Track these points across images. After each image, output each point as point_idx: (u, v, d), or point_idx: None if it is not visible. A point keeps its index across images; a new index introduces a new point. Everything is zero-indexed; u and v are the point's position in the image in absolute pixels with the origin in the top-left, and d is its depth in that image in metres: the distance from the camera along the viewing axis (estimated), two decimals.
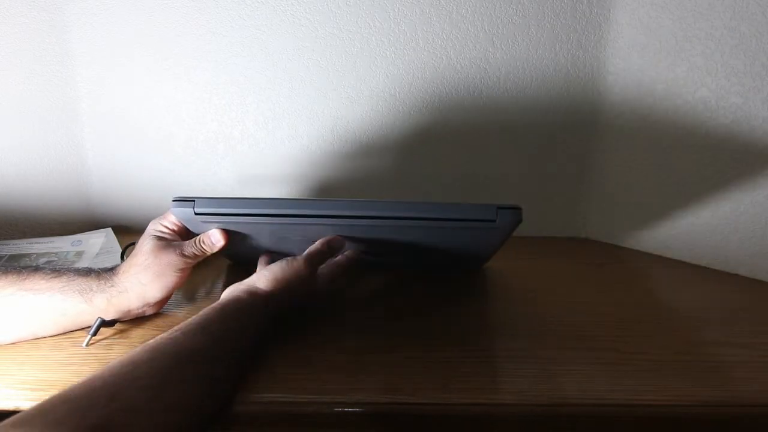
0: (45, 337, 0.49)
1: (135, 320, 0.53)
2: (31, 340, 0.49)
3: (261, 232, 0.56)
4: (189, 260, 0.52)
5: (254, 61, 0.79)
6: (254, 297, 0.48)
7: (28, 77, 0.76)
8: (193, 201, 0.51)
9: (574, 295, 0.62)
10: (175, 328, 0.42)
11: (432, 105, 0.79)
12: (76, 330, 0.50)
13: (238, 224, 0.53)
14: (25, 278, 0.48)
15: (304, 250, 0.54)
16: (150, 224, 0.54)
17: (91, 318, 0.48)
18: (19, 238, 0.78)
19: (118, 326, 0.51)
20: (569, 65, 0.77)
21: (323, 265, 0.55)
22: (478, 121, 0.79)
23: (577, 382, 0.43)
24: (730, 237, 0.68)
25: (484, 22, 0.76)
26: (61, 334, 0.50)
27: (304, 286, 0.52)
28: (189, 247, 0.52)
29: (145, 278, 0.50)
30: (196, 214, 0.51)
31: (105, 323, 0.49)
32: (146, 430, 0.33)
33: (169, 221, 0.54)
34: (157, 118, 0.81)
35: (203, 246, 0.53)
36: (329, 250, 0.54)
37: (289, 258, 0.52)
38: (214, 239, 0.54)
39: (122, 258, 0.61)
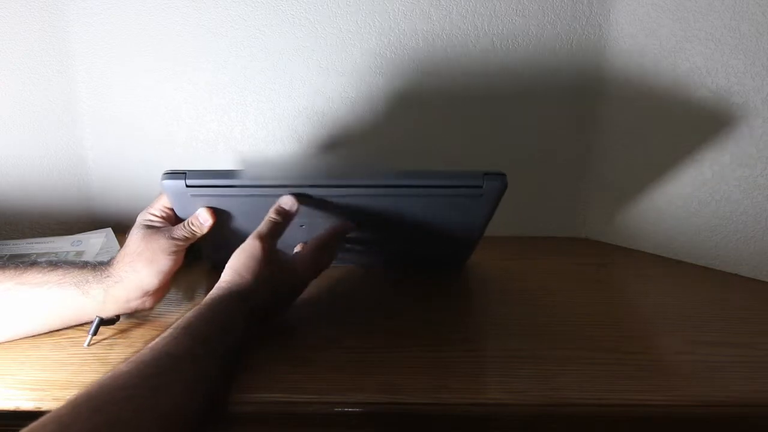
0: (45, 334, 0.49)
1: (135, 320, 0.53)
2: (32, 337, 0.49)
3: (254, 211, 0.54)
4: (179, 242, 0.52)
5: (254, 61, 0.79)
6: (222, 290, 0.47)
7: (28, 77, 0.76)
8: (185, 173, 0.51)
9: (574, 295, 0.62)
10: (158, 336, 0.41)
11: (433, 104, 0.79)
12: (76, 325, 0.50)
13: (230, 198, 0.52)
14: (22, 273, 0.48)
15: (301, 237, 0.53)
16: (139, 215, 0.54)
17: (90, 311, 0.48)
18: (19, 238, 0.78)
19: (118, 326, 0.51)
20: (569, 65, 0.77)
21: (308, 245, 0.54)
22: (478, 122, 0.79)
23: (577, 382, 0.43)
24: (730, 237, 0.68)
25: (484, 22, 0.76)
26: (61, 330, 0.50)
27: (269, 266, 0.49)
28: (178, 230, 0.52)
29: (138, 265, 0.49)
30: (187, 186, 0.51)
31: (104, 322, 0.49)
32: None
33: (157, 209, 0.54)
34: (157, 118, 0.81)
35: (192, 227, 0.53)
36: (281, 217, 0.51)
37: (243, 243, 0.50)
38: (202, 219, 0.53)
39: None
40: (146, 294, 0.51)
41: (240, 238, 0.58)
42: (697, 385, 0.43)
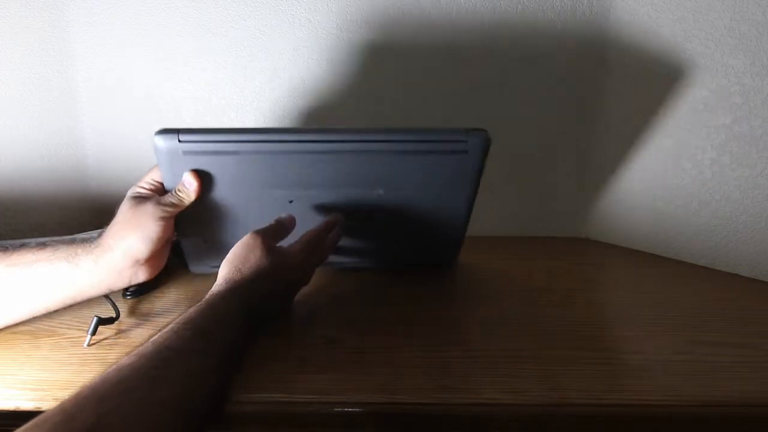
0: (45, 333, 0.50)
1: (135, 320, 0.53)
2: (32, 336, 0.49)
3: (244, 177, 0.55)
4: (167, 208, 0.52)
5: (254, 62, 0.79)
6: (221, 286, 0.48)
7: (29, 77, 0.76)
8: (178, 130, 0.52)
9: (574, 295, 0.62)
10: (160, 331, 0.41)
11: (432, 105, 0.79)
12: (73, 304, 0.51)
13: (222, 158, 0.53)
14: (11, 254, 0.48)
15: (291, 212, 0.55)
16: (129, 190, 0.55)
17: (82, 283, 0.49)
18: (19, 238, 0.78)
19: (117, 326, 0.51)
20: (569, 65, 0.77)
21: (300, 238, 0.54)
22: (478, 123, 0.79)
23: (577, 382, 0.43)
24: (730, 237, 0.68)
25: (484, 23, 0.76)
26: (60, 309, 0.51)
27: (266, 259, 0.49)
28: (166, 197, 0.53)
29: (127, 232, 0.50)
30: (180, 141, 0.52)
31: (102, 321, 0.49)
32: (138, 430, 0.33)
33: (145, 182, 0.55)
34: (157, 118, 0.81)
35: (179, 194, 0.53)
36: (280, 226, 0.54)
37: None
38: (187, 183, 0.53)
39: None
40: (137, 263, 0.51)
41: (228, 219, 0.58)
42: (697, 385, 0.43)
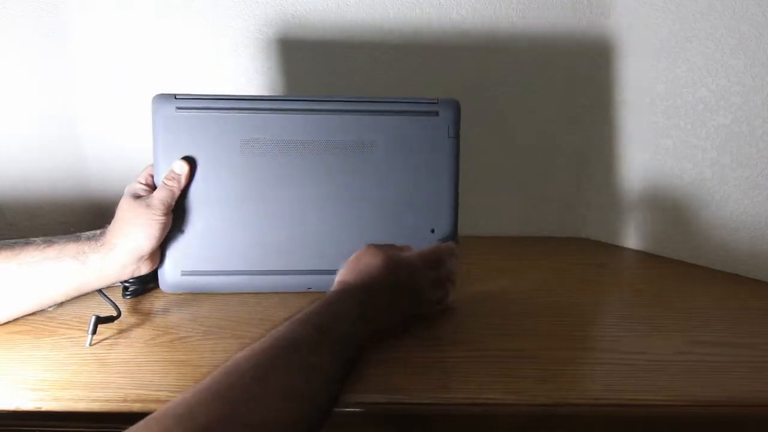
0: (46, 333, 0.50)
1: (135, 320, 0.53)
2: (32, 337, 0.49)
3: (231, 138, 0.57)
4: (164, 204, 0.54)
5: (255, 62, 0.79)
6: (336, 285, 0.49)
7: (29, 78, 0.76)
8: (175, 94, 0.57)
9: (574, 295, 0.62)
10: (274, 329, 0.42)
11: None
12: (78, 295, 0.53)
13: (215, 118, 0.57)
14: (19, 252, 0.50)
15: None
16: (127, 186, 0.56)
17: (90, 279, 0.51)
18: (19, 238, 0.78)
19: (118, 325, 0.51)
20: (570, 65, 0.77)
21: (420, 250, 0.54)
22: (479, 124, 0.80)
23: (577, 382, 0.43)
24: (730, 237, 0.68)
25: (484, 26, 0.76)
26: (60, 310, 0.53)
27: (376, 257, 0.50)
28: (159, 192, 0.55)
29: (130, 231, 0.52)
30: (176, 98, 0.57)
31: (101, 320, 0.49)
32: (266, 417, 0.33)
33: (143, 177, 0.57)
34: None
35: (170, 184, 0.56)
36: (393, 245, 0.55)
37: None
38: (177, 169, 0.56)
39: None
40: (140, 259, 0.53)
41: (206, 199, 0.58)
42: (697, 385, 0.43)
